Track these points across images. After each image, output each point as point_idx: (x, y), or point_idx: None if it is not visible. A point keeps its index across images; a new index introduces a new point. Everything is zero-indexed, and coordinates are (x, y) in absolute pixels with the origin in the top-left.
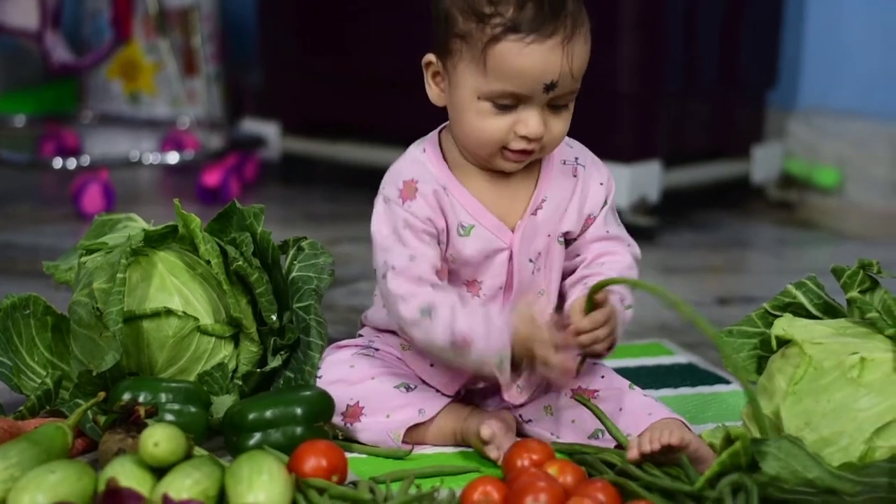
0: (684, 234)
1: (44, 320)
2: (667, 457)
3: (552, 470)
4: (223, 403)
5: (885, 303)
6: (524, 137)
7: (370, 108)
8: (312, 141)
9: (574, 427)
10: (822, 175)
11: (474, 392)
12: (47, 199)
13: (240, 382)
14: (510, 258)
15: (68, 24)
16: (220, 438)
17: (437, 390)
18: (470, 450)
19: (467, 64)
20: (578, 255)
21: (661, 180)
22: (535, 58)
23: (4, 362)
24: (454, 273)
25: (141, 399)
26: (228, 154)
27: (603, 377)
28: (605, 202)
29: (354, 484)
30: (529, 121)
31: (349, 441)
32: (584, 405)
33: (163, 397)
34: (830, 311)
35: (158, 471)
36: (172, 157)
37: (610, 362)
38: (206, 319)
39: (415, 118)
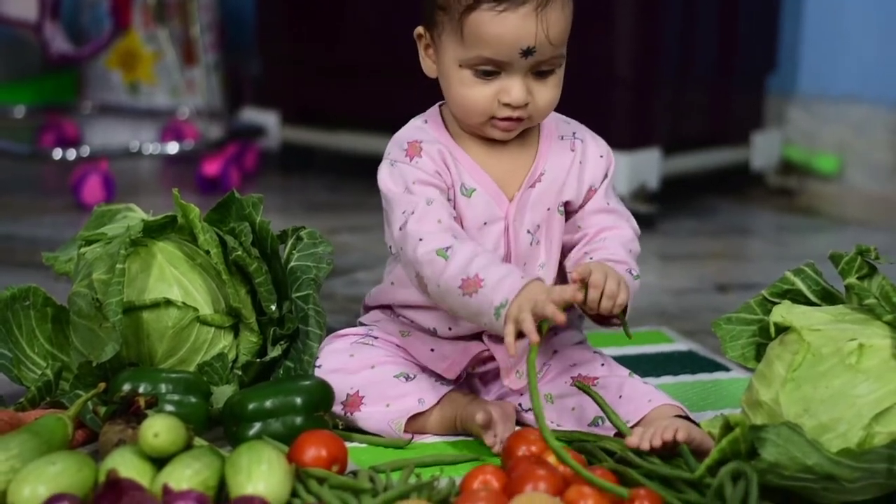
0: (684, 221)
1: (44, 311)
2: (670, 451)
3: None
4: (223, 393)
5: (883, 289)
6: (508, 105)
7: (369, 98)
8: (312, 130)
9: (574, 415)
10: (822, 161)
11: (475, 378)
12: (47, 189)
13: (239, 372)
14: (506, 229)
15: (67, 15)
16: (220, 429)
17: (438, 377)
18: (470, 439)
19: (448, 34)
20: (580, 228)
21: (661, 167)
22: (508, 25)
23: (5, 354)
24: None
25: (141, 390)
26: (228, 144)
27: (603, 365)
28: (606, 175)
29: (354, 473)
30: (512, 88)
31: (349, 430)
32: (585, 392)
33: (163, 388)
34: (829, 297)
35: (158, 461)
36: (172, 147)
37: (610, 351)
38: (206, 310)
39: (414, 107)
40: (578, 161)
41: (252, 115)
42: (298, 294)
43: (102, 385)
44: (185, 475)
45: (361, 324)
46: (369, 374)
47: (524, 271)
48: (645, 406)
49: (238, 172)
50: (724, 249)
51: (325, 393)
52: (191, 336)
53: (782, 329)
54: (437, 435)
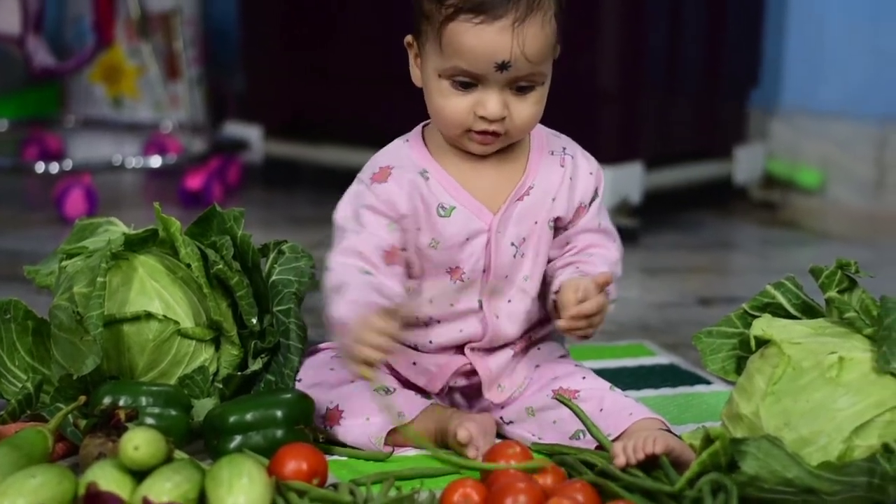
0: (666, 235)
1: (24, 324)
2: (651, 463)
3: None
4: (204, 407)
5: (863, 302)
6: (483, 118)
7: (353, 111)
8: (295, 144)
9: (555, 428)
10: (805, 175)
11: (456, 392)
12: (30, 203)
13: (220, 386)
14: (488, 242)
15: (50, 29)
16: (200, 442)
17: (419, 390)
18: (451, 451)
19: (430, 44)
20: (568, 244)
21: (643, 181)
22: (484, 38)
23: None
24: (436, 260)
25: (121, 403)
26: (211, 158)
27: (584, 378)
28: (597, 192)
29: (335, 486)
30: (488, 102)
31: (330, 444)
32: (566, 405)
33: (143, 401)
34: (809, 311)
35: (139, 474)
36: (155, 161)
37: (591, 364)
38: (187, 323)
39: (399, 121)
40: (569, 177)
41: (235, 129)
42: (280, 308)
43: (83, 398)
44: (166, 488)
45: None
46: (349, 388)
47: (506, 283)
48: (626, 419)
49: (221, 186)
50: (707, 263)
51: (305, 406)
52: (172, 349)
53: (763, 342)
54: (417, 448)
